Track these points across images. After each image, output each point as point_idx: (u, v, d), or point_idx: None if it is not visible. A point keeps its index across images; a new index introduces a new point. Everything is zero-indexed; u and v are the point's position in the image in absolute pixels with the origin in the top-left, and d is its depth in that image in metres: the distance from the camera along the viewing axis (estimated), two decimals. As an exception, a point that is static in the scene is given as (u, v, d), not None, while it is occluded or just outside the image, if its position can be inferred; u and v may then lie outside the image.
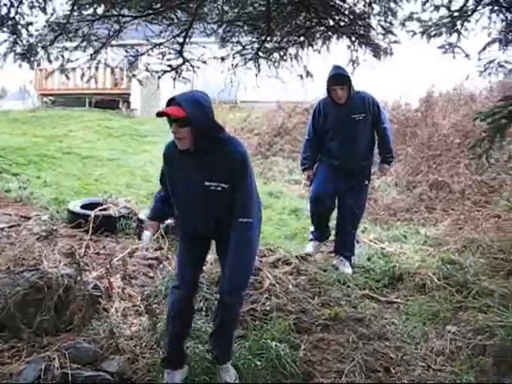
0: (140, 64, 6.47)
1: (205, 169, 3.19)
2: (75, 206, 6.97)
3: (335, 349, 4.16)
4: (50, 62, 5.46)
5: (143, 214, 6.36)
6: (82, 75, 5.93)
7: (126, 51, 6.26)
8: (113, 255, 5.36)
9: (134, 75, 6.09)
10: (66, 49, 5.75)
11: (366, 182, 5.82)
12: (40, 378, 3.47)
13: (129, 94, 21.88)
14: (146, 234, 3.69)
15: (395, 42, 5.70)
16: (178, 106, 3.02)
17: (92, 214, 6.30)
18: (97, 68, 5.72)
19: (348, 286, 5.29)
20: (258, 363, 3.73)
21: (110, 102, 22.27)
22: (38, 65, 5.82)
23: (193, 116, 3.01)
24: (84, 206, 6.92)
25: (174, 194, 3.42)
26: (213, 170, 3.18)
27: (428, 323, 4.56)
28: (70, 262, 4.47)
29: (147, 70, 5.59)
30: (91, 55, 5.38)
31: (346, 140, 5.54)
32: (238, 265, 3.20)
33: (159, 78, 5.56)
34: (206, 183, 3.18)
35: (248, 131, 15.53)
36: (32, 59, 5.49)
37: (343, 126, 5.52)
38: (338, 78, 5.35)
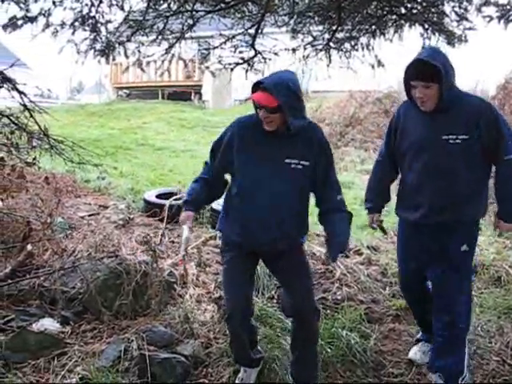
0: (212, 56, 6.59)
1: (286, 147, 3.08)
2: (150, 195, 7.21)
3: (406, 339, 4.16)
4: (127, 57, 5.66)
5: (216, 204, 6.50)
6: (157, 68, 6.11)
7: (199, 44, 6.41)
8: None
9: (207, 67, 6.22)
10: (142, 44, 5.93)
11: (465, 248, 3.39)
12: (120, 357, 3.67)
13: (200, 86, 22.24)
14: (185, 229, 3.34)
15: (470, 28, 5.54)
16: (268, 93, 2.95)
17: (167, 203, 6.50)
18: (170, 61, 5.88)
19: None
20: (329, 351, 3.78)
21: (183, 94, 22.71)
22: (114, 59, 6.02)
23: (285, 104, 2.94)
24: (159, 196, 7.14)
25: (240, 174, 3.20)
26: (294, 148, 3.08)
27: (503, 317, 4.47)
28: (146, 250, 4.66)
29: (220, 62, 5.70)
30: (166, 49, 5.55)
31: (431, 174, 3.39)
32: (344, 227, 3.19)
33: (232, 70, 5.66)
34: (287, 160, 3.04)
35: (319, 121, 15.45)
36: (110, 55, 5.70)
37: (428, 150, 3.38)
38: (421, 68, 3.21)
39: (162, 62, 6.20)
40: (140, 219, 6.62)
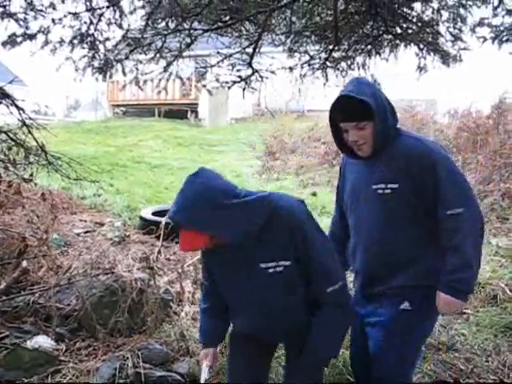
0: (209, 74, 6.62)
1: (258, 249, 2.42)
2: (147, 213, 7.22)
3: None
4: (124, 74, 5.68)
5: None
6: (156, 86, 6.15)
7: (197, 62, 6.44)
8: (183, 261, 5.52)
9: (204, 85, 6.25)
10: (140, 62, 5.96)
11: (407, 305, 2.69)
12: (115, 375, 3.65)
13: (197, 104, 22.33)
14: (204, 369, 2.76)
15: (465, 48, 5.62)
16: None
17: (163, 220, 6.49)
18: (168, 80, 5.91)
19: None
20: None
21: (179, 112, 22.79)
22: (111, 77, 6.06)
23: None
24: (155, 213, 7.15)
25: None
26: (266, 248, 2.43)
27: (500, 335, 4.46)
28: (142, 267, 4.64)
29: (217, 80, 5.73)
30: (164, 67, 5.57)
31: (361, 233, 2.80)
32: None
33: (229, 88, 5.69)
34: (262, 265, 2.42)
35: (315, 140, 15.57)
36: (108, 72, 5.73)
37: (359, 203, 2.79)
38: (348, 106, 2.60)
39: (160, 80, 6.23)
40: (136, 236, 6.62)
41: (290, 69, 5.98)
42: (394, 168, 2.61)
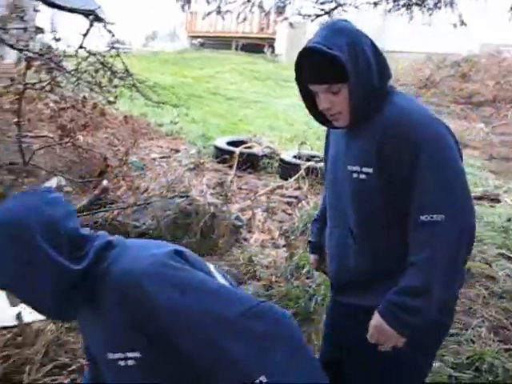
0: (290, 8, 6.53)
1: None
2: (221, 142, 7.35)
3: (464, 302, 4.15)
4: (208, 3, 5.70)
5: (286, 155, 6.58)
6: (236, 17, 6.14)
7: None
8: (255, 191, 5.66)
9: (286, 18, 6.19)
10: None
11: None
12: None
13: (274, 39, 22.06)
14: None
15: None
16: None
17: (237, 150, 6.62)
18: (250, 10, 5.89)
19: (484, 244, 5.19)
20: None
21: (256, 46, 22.60)
22: (188, 7, 6.08)
23: None
24: (229, 143, 7.28)
25: None
26: None
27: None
28: (216, 193, 4.81)
29: (299, 13, 5.66)
30: (248, -2, 5.55)
31: (335, 225, 2.15)
32: None
33: (312, 21, 5.61)
34: None
35: (393, 81, 15.18)
36: (191, 1, 5.77)
37: (334, 187, 2.14)
38: (316, 63, 1.87)
39: (239, 13, 6.19)
40: (210, 164, 6.78)
41: (375, 4, 5.80)
42: (371, 145, 1.88)
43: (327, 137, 2.28)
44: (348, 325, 2.06)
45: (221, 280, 1.63)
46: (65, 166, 5.65)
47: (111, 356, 1.57)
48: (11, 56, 6.46)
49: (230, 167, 6.34)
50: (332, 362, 2.12)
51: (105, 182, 5.28)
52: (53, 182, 5.53)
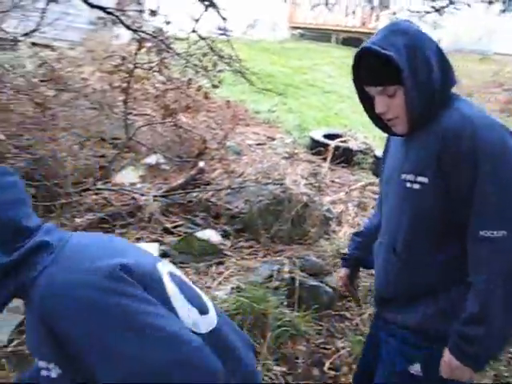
0: (393, 4, 6.43)
1: None
2: (317, 134, 7.39)
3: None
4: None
5: (380, 152, 6.50)
6: (345, 9, 6.13)
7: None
8: (347, 185, 5.66)
9: (394, 13, 6.12)
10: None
11: (418, 369, 1.86)
12: (272, 276, 3.93)
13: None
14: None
15: None
16: None
17: (332, 143, 6.63)
18: (359, 5, 5.85)
19: None
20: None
21: (356, 41, 22.33)
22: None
23: None
24: (325, 136, 7.31)
25: None
26: None
27: None
28: (310, 183, 4.85)
29: (409, 9, 5.58)
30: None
31: (385, 236, 2.00)
32: None
33: (420, 18, 5.51)
34: None
35: (497, 85, 14.60)
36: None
37: (389, 195, 2.01)
38: (371, 63, 1.81)
39: (346, 6, 6.16)
40: (304, 155, 6.83)
41: (490, 2, 5.59)
42: (429, 153, 1.75)
43: (386, 144, 2.17)
44: (384, 339, 2.01)
45: (171, 290, 1.53)
46: (164, 145, 5.87)
47: (40, 363, 1.51)
48: (124, 37, 6.78)
49: (324, 159, 6.35)
50: (366, 373, 2.14)
51: (201, 164, 5.45)
52: (152, 159, 5.77)
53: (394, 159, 1.98)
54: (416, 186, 1.78)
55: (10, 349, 3.12)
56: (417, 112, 1.77)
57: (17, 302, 3.56)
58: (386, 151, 2.16)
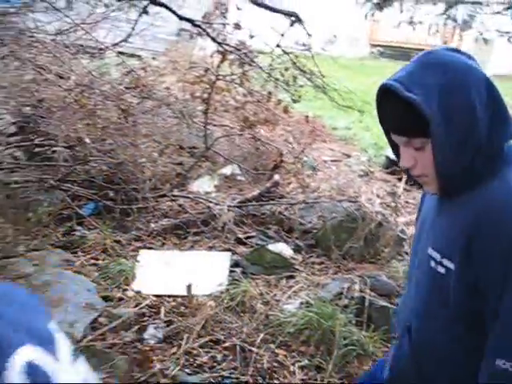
0: (477, 22, 6.29)
1: None
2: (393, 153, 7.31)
3: None
4: (401, 11, 5.70)
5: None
6: (429, 28, 6.07)
7: (474, 9, 6.15)
8: (422, 206, 5.56)
9: (480, 33, 5.98)
10: (417, 1, 5.91)
11: None
12: (342, 294, 3.92)
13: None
14: None
15: None
16: None
17: (409, 164, 6.52)
18: (445, 24, 5.78)
19: None
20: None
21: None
22: (372, 14, 6.11)
23: None
24: (401, 156, 7.21)
25: None
26: None
27: None
28: (384, 203, 4.80)
29: (498, 30, 5.45)
30: (445, 9, 5.46)
31: (406, 305, 1.64)
32: None
33: (509, 40, 5.37)
34: None
35: None
36: (385, 8, 5.80)
37: (415, 262, 1.59)
38: (390, 108, 1.38)
39: (430, 24, 6.09)
40: (379, 174, 6.76)
41: None
42: (459, 231, 1.35)
43: (422, 199, 1.74)
44: None
45: None
46: (241, 156, 5.96)
47: None
48: (207, 48, 6.95)
49: (399, 179, 6.26)
50: None
51: (277, 177, 5.50)
52: (228, 170, 5.87)
53: (424, 219, 1.59)
54: (440, 270, 1.40)
55: (83, 343, 3.25)
56: (449, 176, 1.35)
57: (92, 300, 3.73)
58: (419, 209, 1.74)
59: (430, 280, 1.45)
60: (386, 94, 1.36)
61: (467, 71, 1.31)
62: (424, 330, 1.50)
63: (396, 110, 1.34)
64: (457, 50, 1.39)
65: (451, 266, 1.35)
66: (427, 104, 1.26)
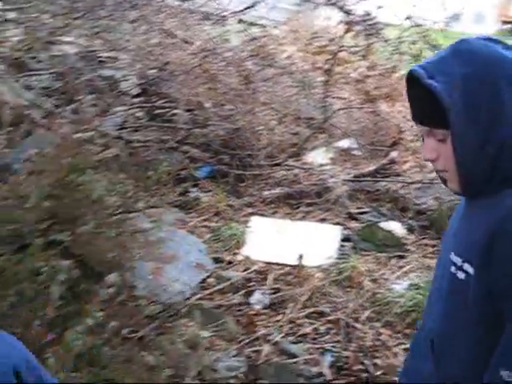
0: None
1: None
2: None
3: None
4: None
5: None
6: None
7: None
8: None
9: None
10: None
11: None
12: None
13: None
14: None
15: None
16: None
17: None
18: None
19: None
20: None
21: None
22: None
23: None
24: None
25: None
26: None
27: None
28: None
29: None
30: None
31: (428, 308, 1.52)
32: None
33: None
34: None
35: None
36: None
37: (439, 266, 1.45)
38: (414, 95, 1.27)
39: None
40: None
41: None
42: (481, 234, 1.25)
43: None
44: None
45: None
46: (359, 131, 5.84)
47: None
48: (330, 19, 6.82)
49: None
50: None
51: (394, 154, 5.34)
52: (344, 143, 5.78)
53: (453, 222, 1.45)
54: (460, 275, 1.31)
55: (191, 301, 3.35)
56: (469, 172, 1.25)
57: (203, 260, 3.83)
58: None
59: (449, 285, 1.35)
60: (410, 80, 1.27)
61: (499, 62, 1.21)
62: (445, 335, 1.41)
63: (417, 97, 1.26)
64: (496, 40, 1.27)
65: (470, 270, 1.26)
66: (447, 92, 1.18)
